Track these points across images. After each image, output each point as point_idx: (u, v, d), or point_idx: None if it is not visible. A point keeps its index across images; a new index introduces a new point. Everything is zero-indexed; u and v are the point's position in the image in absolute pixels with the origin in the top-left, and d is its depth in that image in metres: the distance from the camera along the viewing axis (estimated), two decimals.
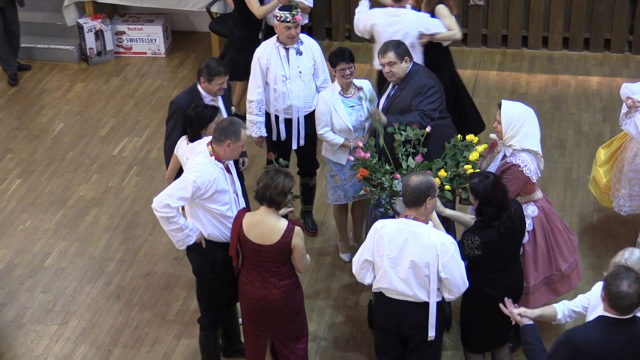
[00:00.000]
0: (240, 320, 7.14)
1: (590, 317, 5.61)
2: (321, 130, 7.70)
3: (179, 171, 7.00)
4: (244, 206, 6.79)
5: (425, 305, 6.20)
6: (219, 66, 7.34)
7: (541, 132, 6.95)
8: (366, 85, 7.70)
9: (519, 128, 6.74)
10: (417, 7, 8.63)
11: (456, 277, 6.11)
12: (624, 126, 7.80)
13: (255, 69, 8.01)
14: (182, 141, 7.13)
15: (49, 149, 9.95)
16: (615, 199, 8.08)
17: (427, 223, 6.13)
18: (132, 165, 9.63)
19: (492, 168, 6.90)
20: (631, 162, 7.91)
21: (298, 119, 8.09)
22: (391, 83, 7.62)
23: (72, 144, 10.01)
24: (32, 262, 8.43)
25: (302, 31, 8.32)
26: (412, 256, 6.06)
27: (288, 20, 7.84)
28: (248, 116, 8.09)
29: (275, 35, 8.00)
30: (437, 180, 6.35)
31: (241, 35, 9.59)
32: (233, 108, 7.92)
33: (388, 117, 7.32)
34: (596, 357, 5.24)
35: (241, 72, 9.34)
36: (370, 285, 6.35)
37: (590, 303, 5.81)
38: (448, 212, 6.73)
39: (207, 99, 7.39)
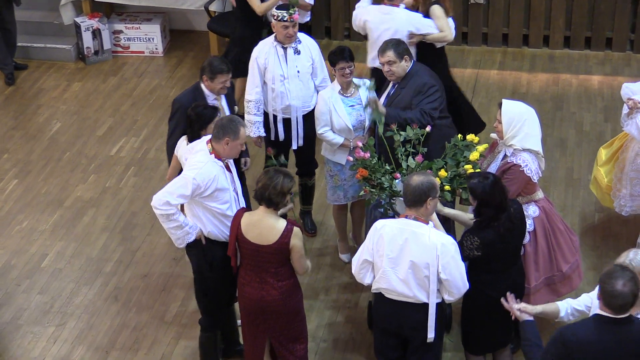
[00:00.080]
0: (239, 321, 7.14)
1: None
2: (321, 129, 7.68)
3: (180, 172, 6.97)
4: (244, 205, 6.77)
5: (425, 306, 6.19)
6: (221, 64, 7.35)
7: (542, 131, 6.94)
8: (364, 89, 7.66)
9: (519, 128, 6.73)
10: (415, 6, 8.58)
11: (456, 278, 6.09)
12: (625, 127, 7.81)
13: (253, 68, 8.00)
14: (182, 141, 7.13)
15: (45, 149, 9.93)
16: (616, 199, 8.09)
17: (427, 223, 6.12)
18: (130, 166, 9.62)
19: (493, 168, 6.90)
20: (632, 162, 7.91)
21: (297, 118, 8.05)
22: (391, 82, 7.59)
23: (69, 144, 9.99)
24: (29, 263, 8.41)
25: (302, 30, 8.30)
26: (412, 256, 6.05)
27: (285, 19, 7.81)
28: (246, 116, 8.07)
29: (273, 35, 7.96)
30: (437, 180, 6.31)
31: (244, 33, 9.57)
32: (236, 107, 7.91)
33: (388, 112, 7.33)
34: (588, 355, 5.24)
35: (245, 70, 9.32)
36: (370, 286, 6.34)
37: (593, 302, 5.80)
38: (447, 210, 6.74)
39: (210, 98, 7.41)
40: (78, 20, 11.29)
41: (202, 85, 7.42)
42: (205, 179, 6.44)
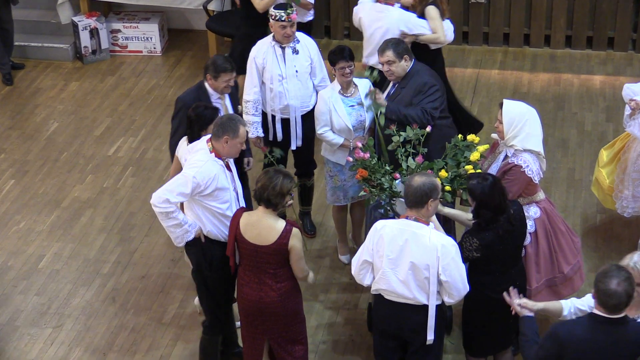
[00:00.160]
0: (238, 323, 7.12)
1: None
2: (321, 129, 7.65)
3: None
4: (244, 205, 6.76)
5: (425, 308, 6.18)
6: (225, 63, 7.35)
7: (543, 132, 6.93)
8: (366, 84, 7.62)
9: (520, 128, 6.72)
10: (415, 6, 8.53)
11: (456, 280, 6.08)
12: (627, 127, 7.81)
13: (251, 68, 7.98)
14: (183, 142, 7.13)
15: (43, 149, 9.92)
16: (618, 200, 8.08)
17: (428, 224, 6.10)
18: (128, 166, 9.60)
19: (494, 169, 6.90)
20: (634, 163, 7.90)
21: (295, 118, 8.02)
22: (391, 81, 7.58)
23: (66, 144, 9.98)
24: (26, 264, 8.39)
25: (303, 29, 8.27)
26: (412, 257, 6.03)
27: (283, 19, 7.78)
28: (244, 116, 8.05)
29: (271, 34, 7.93)
30: (438, 181, 6.30)
31: (248, 30, 9.54)
32: (240, 107, 7.89)
33: (389, 105, 7.34)
34: (581, 353, 5.25)
35: None
36: (370, 287, 6.32)
37: None
38: (447, 210, 6.73)
39: (214, 97, 7.43)
40: (75, 19, 11.28)
41: (206, 84, 7.43)
42: (205, 177, 6.43)
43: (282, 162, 7.83)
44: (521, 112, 6.77)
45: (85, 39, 11.26)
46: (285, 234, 6.28)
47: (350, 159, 7.27)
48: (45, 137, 10.09)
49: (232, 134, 6.46)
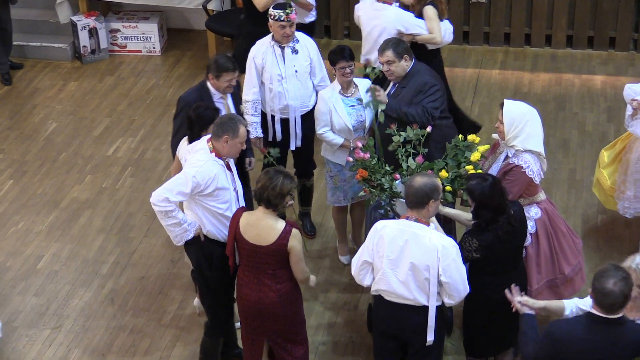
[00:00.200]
0: (237, 324, 7.12)
1: None
2: (321, 129, 7.64)
3: None
4: (244, 205, 6.75)
5: (425, 309, 6.17)
6: (227, 62, 7.34)
7: (544, 132, 6.93)
8: (366, 84, 7.60)
9: (521, 128, 6.71)
10: (412, 5, 8.50)
11: (457, 281, 6.06)
12: (629, 128, 7.81)
13: (251, 68, 7.97)
14: (183, 142, 7.12)
15: (41, 149, 9.90)
16: (620, 201, 8.08)
17: (428, 225, 6.09)
18: (127, 166, 9.58)
19: (495, 169, 6.90)
20: (636, 163, 7.89)
21: (295, 119, 8.00)
22: (392, 81, 7.57)
23: (65, 144, 9.96)
24: (25, 265, 8.38)
25: (304, 29, 8.25)
26: (412, 258, 6.02)
27: (282, 18, 7.76)
28: (244, 116, 7.99)
29: (271, 34, 7.90)
30: (439, 182, 6.29)
31: (251, 29, 9.51)
32: (242, 107, 7.86)
33: (389, 102, 7.34)
34: (577, 352, 5.26)
35: None
36: (370, 288, 6.31)
37: None
38: (447, 210, 6.73)
39: (216, 96, 7.42)
40: (74, 18, 11.27)
41: (208, 84, 7.42)
42: (205, 177, 6.43)
43: (282, 162, 7.81)
44: (522, 112, 6.76)
45: (84, 38, 11.24)
46: (285, 235, 6.26)
47: (351, 159, 7.26)
48: (43, 137, 10.07)
49: (232, 133, 6.44)
